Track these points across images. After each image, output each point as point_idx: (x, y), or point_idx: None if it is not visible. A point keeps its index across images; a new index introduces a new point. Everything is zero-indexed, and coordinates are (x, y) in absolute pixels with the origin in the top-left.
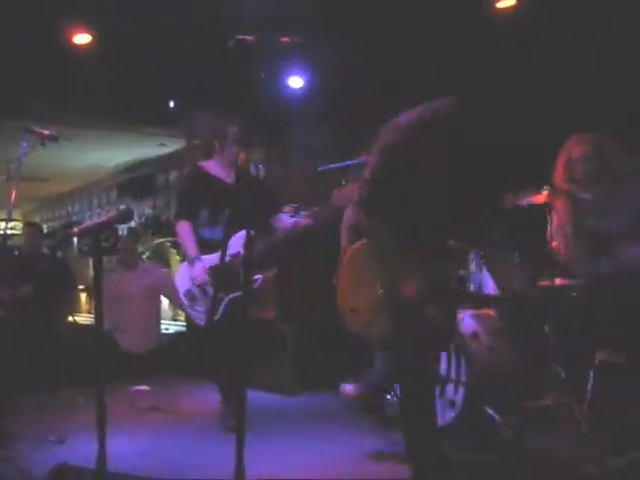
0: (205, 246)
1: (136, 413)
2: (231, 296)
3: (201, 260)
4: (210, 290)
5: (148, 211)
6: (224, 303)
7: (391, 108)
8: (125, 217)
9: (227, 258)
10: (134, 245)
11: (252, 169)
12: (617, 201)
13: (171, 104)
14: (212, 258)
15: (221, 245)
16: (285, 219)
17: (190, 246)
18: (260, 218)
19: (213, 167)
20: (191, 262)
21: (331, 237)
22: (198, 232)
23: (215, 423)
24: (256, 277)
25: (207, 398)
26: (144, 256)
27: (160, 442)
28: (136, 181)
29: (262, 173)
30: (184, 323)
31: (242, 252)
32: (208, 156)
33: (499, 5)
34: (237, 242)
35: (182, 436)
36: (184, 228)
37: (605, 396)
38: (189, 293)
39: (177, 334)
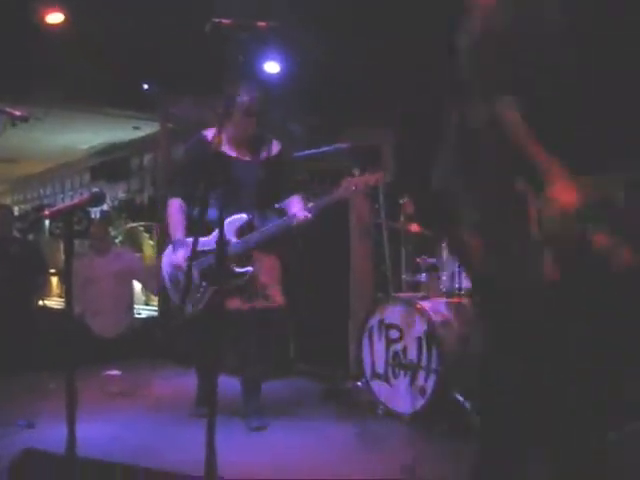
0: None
1: (107, 398)
2: (216, 287)
3: (185, 245)
4: (195, 276)
5: (122, 195)
6: (209, 293)
7: (367, 96)
8: (97, 200)
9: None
10: (106, 229)
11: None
12: None
13: (145, 87)
14: (202, 242)
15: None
16: (295, 204)
17: (176, 227)
18: (262, 199)
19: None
20: (174, 246)
21: (330, 230)
22: (199, 213)
23: (187, 408)
24: (244, 270)
25: (179, 383)
26: (117, 240)
27: (131, 427)
28: (109, 164)
29: None
30: (156, 308)
31: (232, 240)
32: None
33: None
34: (229, 227)
35: (153, 421)
36: (174, 207)
37: None
38: (173, 277)
39: (149, 319)
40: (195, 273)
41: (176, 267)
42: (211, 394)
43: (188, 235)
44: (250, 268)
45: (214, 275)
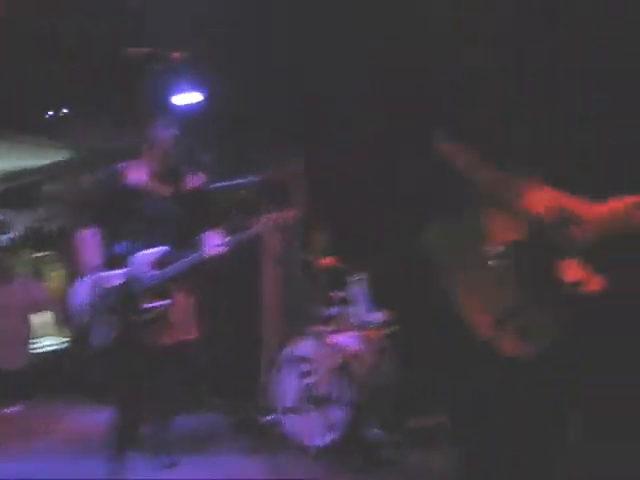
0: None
1: (8, 436)
2: (129, 319)
3: (95, 277)
4: (105, 309)
5: (28, 223)
6: (117, 326)
7: (281, 128)
8: (1, 228)
9: (128, 278)
10: (9, 258)
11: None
12: None
13: (55, 113)
14: (113, 275)
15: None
16: (212, 237)
17: (91, 256)
18: (181, 233)
19: (136, 174)
20: (89, 275)
21: (242, 264)
22: (110, 246)
23: (92, 445)
24: (156, 304)
25: (86, 419)
26: (22, 270)
27: (34, 467)
28: (16, 191)
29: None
30: (68, 339)
31: (148, 273)
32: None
33: None
34: (146, 260)
35: (58, 460)
36: (88, 236)
37: None
38: (82, 308)
39: (59, 351)
40: (105, 306)
41: (88, 298)
42: (121, 430)
43: (101, 267)
44: (163, 302)
45: (123, 309)
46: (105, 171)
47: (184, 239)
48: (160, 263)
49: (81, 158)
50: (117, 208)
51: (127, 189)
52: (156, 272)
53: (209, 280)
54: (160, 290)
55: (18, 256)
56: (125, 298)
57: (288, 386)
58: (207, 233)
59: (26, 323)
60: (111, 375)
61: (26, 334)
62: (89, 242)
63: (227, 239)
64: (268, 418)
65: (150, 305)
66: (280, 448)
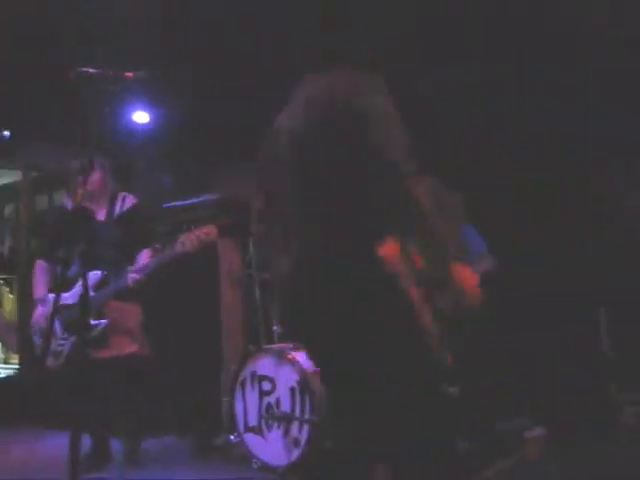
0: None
1: None
2: (75, 338)
3: (46, 301)
4: (59, 330)
5: None
6: (68, 344)
7: (238, 146)
8: None
9: (74, 299)
10: None
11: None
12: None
13: (5, 133)
14: (64, 297)
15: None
16: (144, 258)
17: (37, 286)
18: (118, 255)
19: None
20: (37, 303)
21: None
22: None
23: (45, 475)
24: (98, 322)
25: (40, 448)
26: None
27: None
28: None
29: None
30: (17, 366)
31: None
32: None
33: None
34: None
35: None
36: (37, 267)
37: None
38: (39, 333)
39: (8, 378)
40: (58, 327)
41: (37, 323)
42: (72, 455)
43: (52, 291)
44: (104, 321)
45: (74, 326)
46: (51, 210)
47: (122, 259)
48: (100, 285)
49: (33, 179)
50: (64, 236)
51: (69, 214)
52: (96, 293)
53: (151, 296)
54: (102, 310)
55: None
56: (74, 317)
57: (249, 405)
58: (142, 253)
59: None
60: (66, 396)
61: None
62: (39, 272)
63: (140, 265)
64: (229, 438)
65: (94, 323)
66: (242, 468)
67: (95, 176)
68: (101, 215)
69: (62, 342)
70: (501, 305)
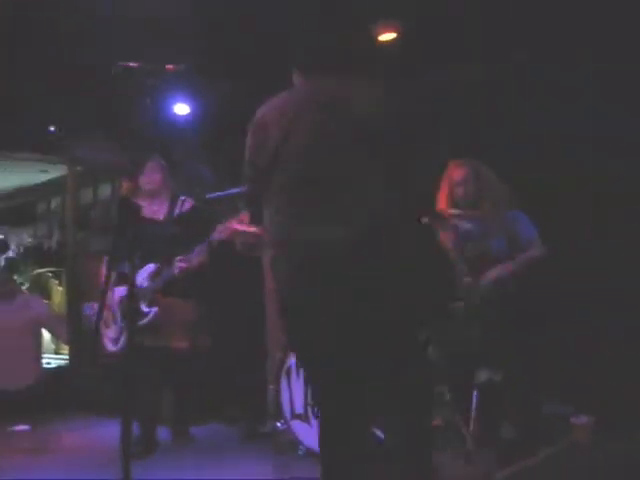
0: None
1: (17, 455)
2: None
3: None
4: (118, 319)
5: (28, 240)
6: (125, 333)
7: None
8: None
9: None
10: (10, 275)
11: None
12: (497, 224)
13: (52, 129)
14: (122, 290)
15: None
16: (197, 252)
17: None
18: (172, 251)
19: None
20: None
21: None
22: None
23: (103, 460)
24: (148, 309)
25: (91, 435)
26: (23, 287)
27: None
28: (14, 209)
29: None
30: (67, 357)
31: (144, 284)
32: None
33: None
34: (142, 274)
35: (66, 478)
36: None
37: (488, 414)
38: (95, 319)
39: (60, 368)
40: (119, 315)
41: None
42: (124, 441)
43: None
44: (154, 308)
45: (125, 314)
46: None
47: (175, 255)
48: (152, 277)
49: (78, 174)
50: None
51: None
52: (150, 283)
53: (201, 289)
54: (152, 299)
55: (19, 273)
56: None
57: (295, 392)
58: (197, 248)
59: (31, 342)
60: (119, 385)
61: (32, 354)
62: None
63: (193, 253)
64: (276, 425)
65: (146, 309)
66: (289, 455)
67: (156, 176)
68: (161, 213)
69: (121, 330)
70: (550, 291)
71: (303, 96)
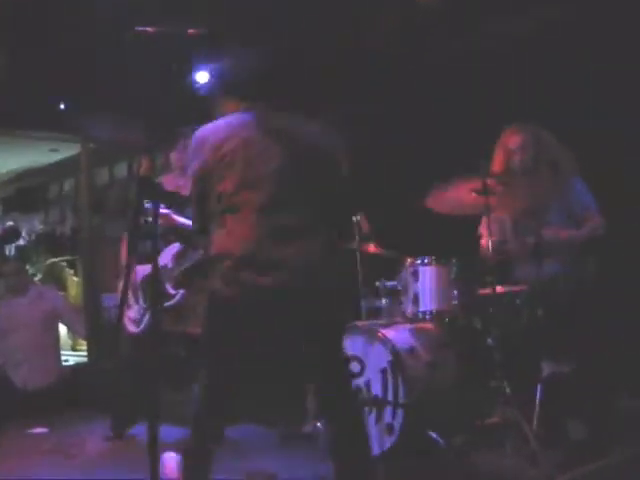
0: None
1: (37, 458)
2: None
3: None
4: (140, 300)
5: (39, 227)
6: (148, 314)
7: (312, 106)
8: (11, 236)
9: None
10: (21, 266)
11: None
12: (557, 197)
13: (62, 105)
14: (146, 269)
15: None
16: None
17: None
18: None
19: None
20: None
21: None
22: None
23: (124, 463)
24: (175, 291)
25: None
26: (36, 278)
27: None
28: (24, 193)
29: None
30: (85, 353)
31: (169, 265)
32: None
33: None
34: (166, 254)
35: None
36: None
37: (554, 410)
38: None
39: (78, 366)
40: (141, 296)
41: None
42: (151, 442)
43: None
44: (182, 290)
45: (149, 295)
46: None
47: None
48: (177, 257)
49: (93, 152)
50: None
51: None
52: (176, 262)
53: None
54: (178, 280)
55: (31, 263)
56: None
57: None
58: None
59: (50, 337)
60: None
61: (51, 349)
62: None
63: None
64: (316, 426)
65: (172, 291)
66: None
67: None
68: (186, 189)
69: (143, 311)
70: (629, 274)
71: (246, 121)
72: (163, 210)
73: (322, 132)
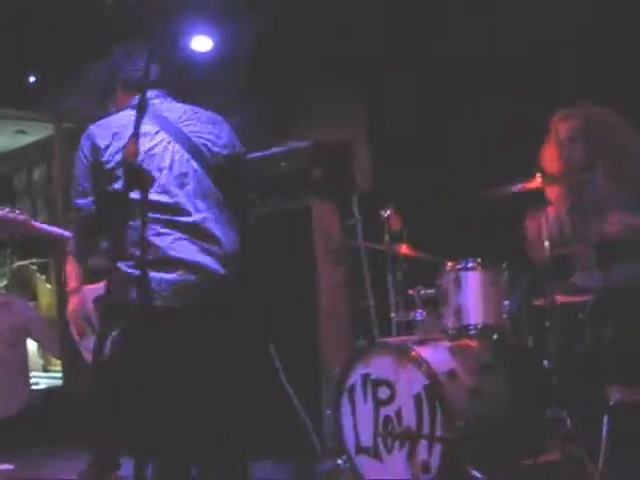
0: None
1: None
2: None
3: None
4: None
5: None
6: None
7: (326, 78)
8: None
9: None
10: None
11: None
12: (623, 184)
13: (31, 79)
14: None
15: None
16: None
17: None
18: None
19: None
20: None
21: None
22: None
23: None
24: None
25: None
26: (1, 284)
27: None
28: None
29: None
30: (60, 375)
31: None
32: None
33: None
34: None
35: None
36: None
37: (624, 446)
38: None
39: (50, 390)
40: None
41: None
42: None
43: None
44: None
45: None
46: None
47: None
48: None
49: (68, 133)
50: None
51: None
52: None
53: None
54: None
55: None
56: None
57: (361, 419)
58: None
59: (17, 356)
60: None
61: (19, 371)
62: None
63: None
64: (336, 463)
65: None
66: None
67: None
68: None
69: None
70: None
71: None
72: (20, 216)
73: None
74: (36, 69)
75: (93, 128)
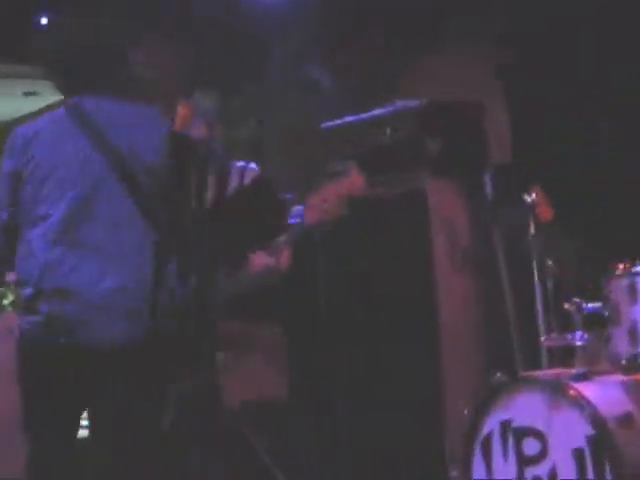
0: None
1: None
2: None
3: None
4: None
5: None
6: None
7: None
8: None
9: None
10: None
11: None
12: None
13: (43, 21)
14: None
15: None
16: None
17: None
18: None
19: None
20: None
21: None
22: None
23: None
24: None
25: None
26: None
27: None
28: None
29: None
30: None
31: None
32: None
33: None
34: None
35: None
36: None
37: None
38: None
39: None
40: None
41: None
42: None
43: None
44: None
45: None
46: None
47: None
48: None
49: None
50: None
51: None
52: None
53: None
54: None
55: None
56: None
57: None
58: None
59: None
60: None
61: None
62: None
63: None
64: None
65: None
66: None
67: (196, 130)
68: None
69: None
70: None
71: (63, 119)
72: None
73: None
74: (50, 11)
75: None
